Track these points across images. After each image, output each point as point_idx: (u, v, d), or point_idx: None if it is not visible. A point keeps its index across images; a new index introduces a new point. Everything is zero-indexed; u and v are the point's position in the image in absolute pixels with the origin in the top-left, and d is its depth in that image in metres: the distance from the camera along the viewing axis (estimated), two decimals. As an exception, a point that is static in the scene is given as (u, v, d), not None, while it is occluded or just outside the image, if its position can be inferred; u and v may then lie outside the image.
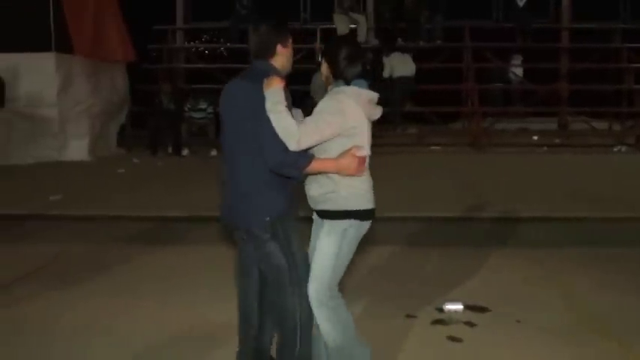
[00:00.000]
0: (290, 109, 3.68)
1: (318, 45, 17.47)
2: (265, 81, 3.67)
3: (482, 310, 5.39)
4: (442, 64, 17.83)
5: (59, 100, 13.47)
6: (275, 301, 3.92)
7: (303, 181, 3.89)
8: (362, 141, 3.82)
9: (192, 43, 22.26)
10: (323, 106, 3.79)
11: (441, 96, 17.55)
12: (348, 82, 3.89)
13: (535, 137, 16.41)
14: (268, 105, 3.63)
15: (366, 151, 3.83)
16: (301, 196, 3.98)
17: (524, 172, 11.84)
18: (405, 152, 14.56)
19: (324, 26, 17.89)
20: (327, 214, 3.86)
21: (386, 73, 15.83)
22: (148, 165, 13.63)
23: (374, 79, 13.39)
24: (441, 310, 5.40)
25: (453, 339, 4.83)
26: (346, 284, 6.03)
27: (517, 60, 18.26)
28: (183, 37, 19.57)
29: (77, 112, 13.95)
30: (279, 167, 3.68)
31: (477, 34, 17.80)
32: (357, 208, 3.85)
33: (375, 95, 3.90)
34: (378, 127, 16.41)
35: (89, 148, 14.12)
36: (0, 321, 5.29)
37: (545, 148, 15.59)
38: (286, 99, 3.66)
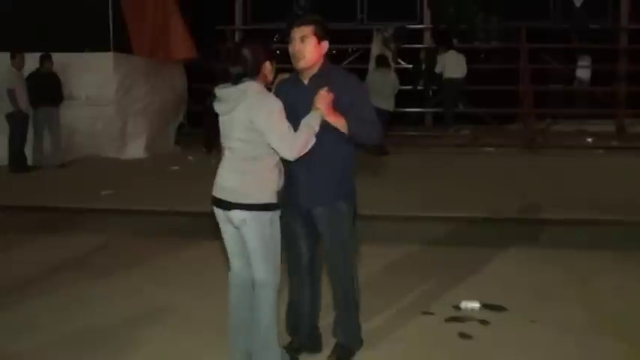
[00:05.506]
0: None
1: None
2: None
3: (499, 309, 5.47)
4: (499, 64, 17.77)
5: (117, 99, 13.77)
6: None
7: None
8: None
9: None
10: None
11: (498, 97, 17.45)
12: None
13: (589, 139, 16.17)
14: None
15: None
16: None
17: (574, 175, 11.72)
18: (457, 153, 14.53)
19: (380, 27, 17.92)
20: None
21: (437, 69, 15.93)
22: (202, 163, 13.88)
23: (429, 78, 13.46)
24: (458, 308, 5.49)
25: (463, 336, 4.93)
26: (369, 280, 6.20)
27: (585, 61, 18.06)
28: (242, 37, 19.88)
29: (135, 110, 14.23)
30: None
31: (534, 35, 17.67)
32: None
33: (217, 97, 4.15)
34: (430, 128, 16.26)
35: (146, 146, 14.43)
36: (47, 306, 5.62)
37: (602, 150, 15.35)
38: None
